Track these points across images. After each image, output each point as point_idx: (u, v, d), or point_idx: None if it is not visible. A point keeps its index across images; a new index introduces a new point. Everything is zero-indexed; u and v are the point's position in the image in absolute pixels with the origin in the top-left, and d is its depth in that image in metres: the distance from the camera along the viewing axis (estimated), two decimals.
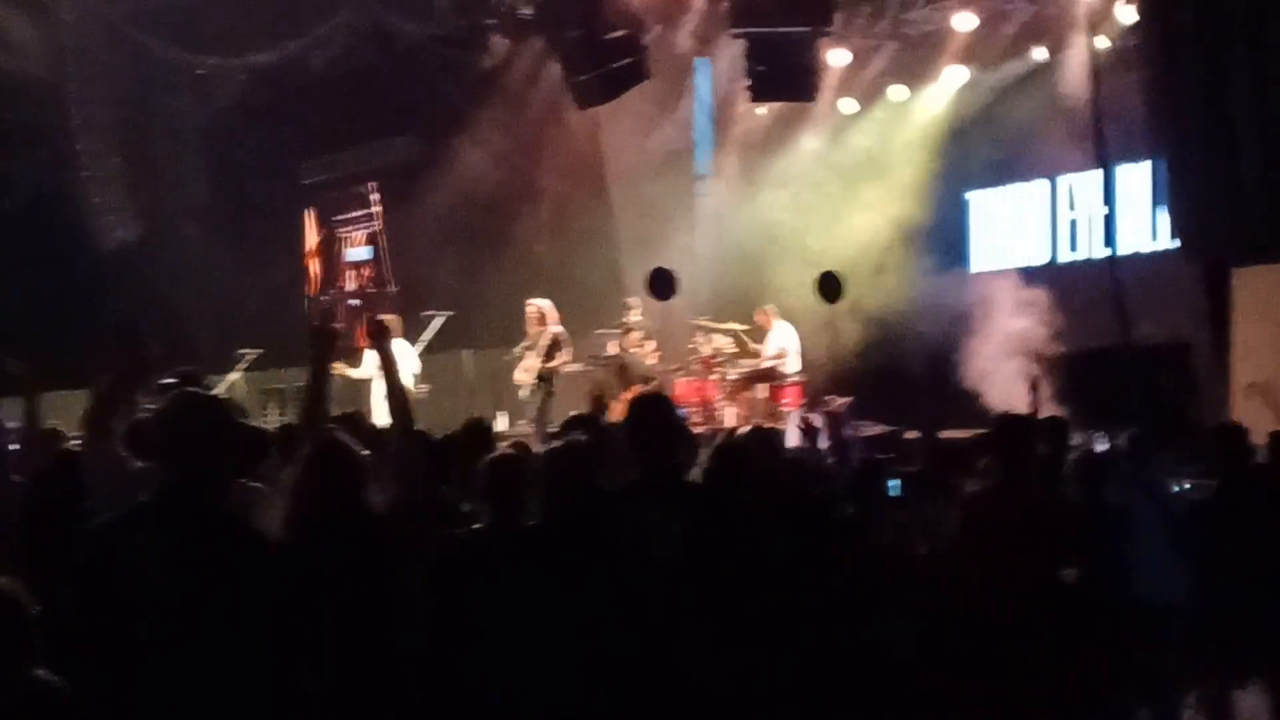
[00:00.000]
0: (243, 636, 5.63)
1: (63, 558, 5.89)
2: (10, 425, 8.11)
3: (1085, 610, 9.16)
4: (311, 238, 29.89)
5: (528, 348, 20.53)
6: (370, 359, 21.90)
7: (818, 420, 18.52)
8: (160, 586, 5.51)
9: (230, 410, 6.18)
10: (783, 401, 20.84)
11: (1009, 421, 9.68)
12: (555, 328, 20.40)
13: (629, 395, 19.33)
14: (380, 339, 7.25)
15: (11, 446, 8.08)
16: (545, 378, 20.33)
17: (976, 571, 8.82)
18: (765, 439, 9.30)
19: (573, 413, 10.84)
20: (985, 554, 8.82)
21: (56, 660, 5.55)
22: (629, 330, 21.03)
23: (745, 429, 10.84)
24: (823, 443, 12.92)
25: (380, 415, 17.90)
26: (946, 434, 16.70)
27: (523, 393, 20.42)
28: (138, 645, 5.52)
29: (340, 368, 22.22)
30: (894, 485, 9.66)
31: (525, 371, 20.45)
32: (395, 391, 6.93)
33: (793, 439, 16.19)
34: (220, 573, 5.62)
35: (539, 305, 20.55)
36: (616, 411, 18.24)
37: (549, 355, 20.29)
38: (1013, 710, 8.58)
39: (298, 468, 6.44)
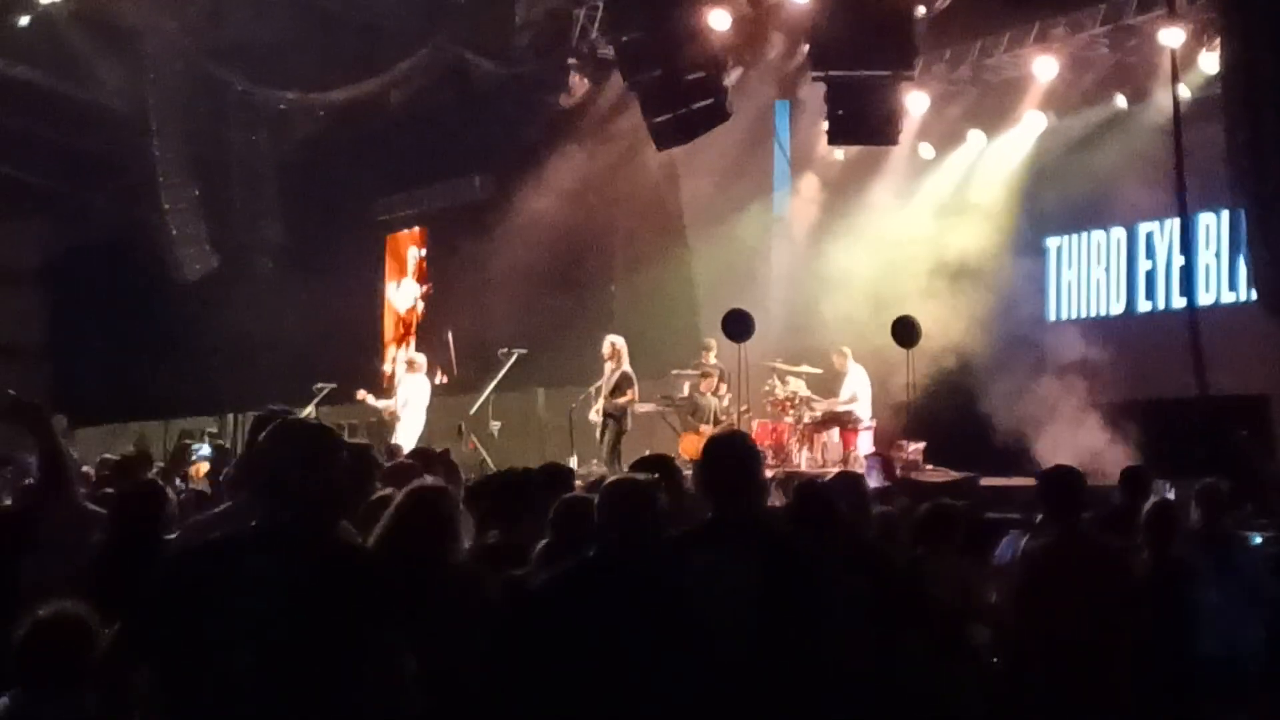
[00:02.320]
0: (349, 661, 5.33)
1: (147, 584, 5.57)
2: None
3: (1154, 663, 9.06)
4: (390, 270, 30.03)
5: (599, 387, 20.64)
6: (402, 391, 22.14)
7: (871, 464, 18.56)
8: (269, 610, 5.21)
9: (336, 435, 5.86)
10: (855, 445, 20.75)
11: (1054, 474, 9.53)
12: (625, 366, 20.50)
13: (697, 436, 19.36)
14: None
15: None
16: (612, 414, 20.37)
17: (1038, 626, 8.72)
18: (852, 485, 8.79)
19: (648, 453, 10.78)
20: (1046, 609, 8.72)
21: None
22: (705, 373, 21.04)
23: (830, 473, 10.65)
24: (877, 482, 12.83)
25: (406, 445, 18.24)
26: (989, 480, 16.68)
27: (597, 432, 20.50)
28: (236, 669, 5.21)
29: (362, 394, 22.45)
30: None
31: (596, 412, 20.57)
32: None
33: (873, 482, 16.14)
34: (335, 598, 5.31)
35: (612, 341, 20.69)
36: (688, 452, 18.29)
37: (616, 392, 20.37)
38: None
39: (389, 514, 6.42)
